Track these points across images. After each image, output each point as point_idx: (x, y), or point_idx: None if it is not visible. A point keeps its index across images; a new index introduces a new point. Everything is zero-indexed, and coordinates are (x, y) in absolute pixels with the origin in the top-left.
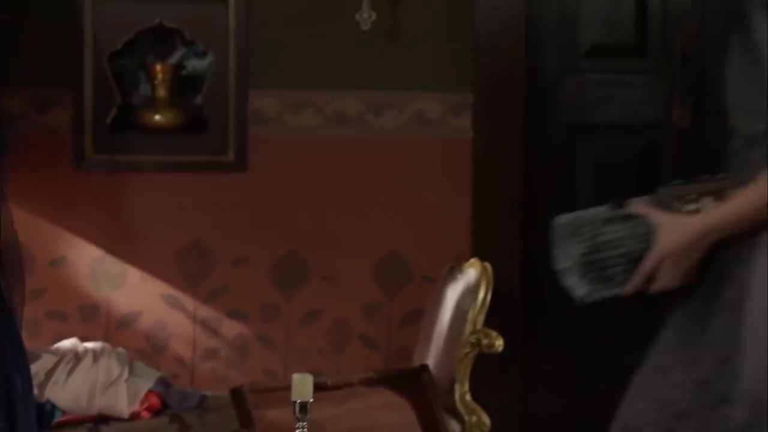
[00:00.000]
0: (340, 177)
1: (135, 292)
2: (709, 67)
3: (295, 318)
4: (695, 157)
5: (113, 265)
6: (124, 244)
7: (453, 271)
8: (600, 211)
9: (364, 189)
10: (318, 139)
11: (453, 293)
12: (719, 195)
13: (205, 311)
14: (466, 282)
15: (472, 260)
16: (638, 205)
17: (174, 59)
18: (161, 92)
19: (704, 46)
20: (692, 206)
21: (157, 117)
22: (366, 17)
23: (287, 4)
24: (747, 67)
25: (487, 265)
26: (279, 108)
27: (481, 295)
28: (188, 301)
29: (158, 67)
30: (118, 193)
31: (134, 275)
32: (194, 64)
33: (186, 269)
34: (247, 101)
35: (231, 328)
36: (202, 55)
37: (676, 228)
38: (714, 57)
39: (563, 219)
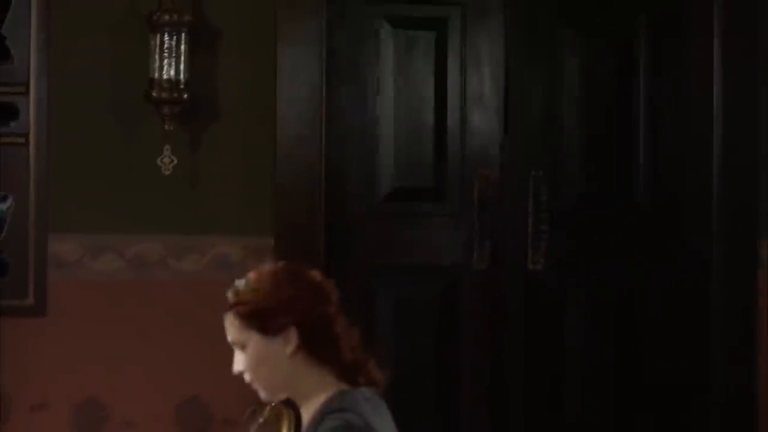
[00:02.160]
0: (141, 321)
1: None
2: (506, 212)
3: None
4: (494, 299)
5: None
6: None
7: (255, 414)
8: None
9: (166, 333)
10: (119, 284)
11: None
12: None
13: None
14: (268, 425)
15: (275, 403)
16: None
17: None
18: None
19: (502, 190)
20: None
21: None
22: (167, 162)
23: (88, 147)
24: None
25: (290, 409)
26: (79, 252)
27: None
28: None
29: None
30: None
31: None
32: None
33: None
34: (46, 245)
35: None
36: (2, 198)
37: None
38: (511, 201)
39: None
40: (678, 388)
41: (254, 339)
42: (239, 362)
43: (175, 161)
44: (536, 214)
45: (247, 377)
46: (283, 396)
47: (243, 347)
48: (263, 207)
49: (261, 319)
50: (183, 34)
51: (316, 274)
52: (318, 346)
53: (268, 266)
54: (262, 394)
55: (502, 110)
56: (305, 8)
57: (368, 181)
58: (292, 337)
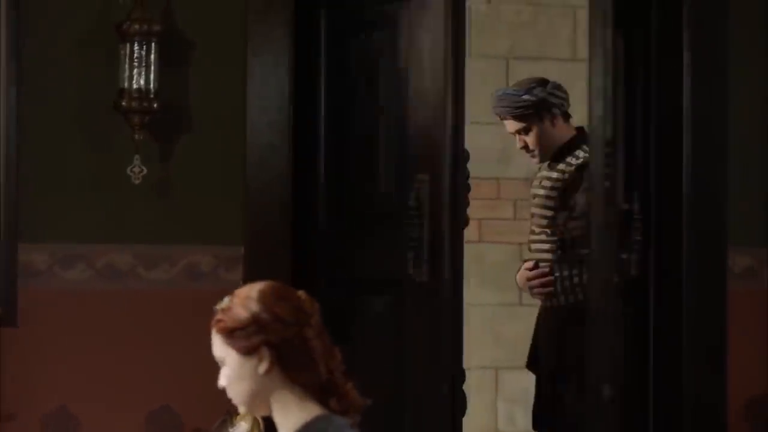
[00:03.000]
0: (111, 331)
1: None
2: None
3: None
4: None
5: None
6: None
7: (225, 423)
8: None
9: (136, 342)
10: (89, 293)
11: None
12: None
13: None
14: None
15: (245, 413)
16: None
17: None
18: None
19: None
20: None
21: None
22: (137, 171)
23: (58, 157)
24: None
25: (259, 418)
26: (49, 262)
27: None
28: None
29: None
30: None
31: None
32: None
33: None
34: (17, 255)
35: None
36: None
37: None
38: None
39: None
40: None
41: (231, 356)
42: (222, 377)
43: (145, 171)
44: None
45: (228, 393)
46: (261, 412)
47: (224, 363)
48: (234, 216)
49: (235, 337)
50: (153, 44)
51: (300, 294)
52: (292, 366)
53: (256, 284)
54: (241, 409)
55: None
56: (275, 18)
57: (340, 189)
58: (265, 356)
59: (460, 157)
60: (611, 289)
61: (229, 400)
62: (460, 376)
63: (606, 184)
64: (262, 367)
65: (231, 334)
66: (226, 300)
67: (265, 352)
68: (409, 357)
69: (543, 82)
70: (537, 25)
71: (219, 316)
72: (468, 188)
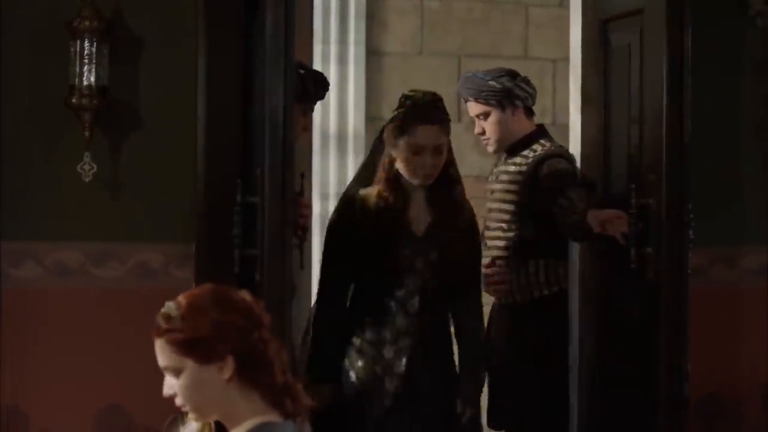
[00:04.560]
0: (60, 329)
1: None
2: None
3: None
4: None
5: None
6: None
7: (175, 422)
8: None
9: (86, 340)
10: (38, 291)
11: None
12: None
13: None
14: None
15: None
16: None
17: None
18: None
19: None
20: None
21: None
22: (87, 169)
23: (8, 154)
24: None
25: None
26: None
27: None
28: None
29: None
30: None
31: None
32: None
33: None
34: None
35: None
36: None
37: None
38: None
39: None
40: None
41: (190, 366)
42: (170, 386)
43: (95, 168)
44: None
45: (177, 400)
46: (213, 417)
47: (177, 373)
48: (184, 214)
49: (198, 348)
50: (103, 41)
51: (246, 297)
52: (252, 372)
53: (196, 290)
54: (192, 416)
55: None
56: (226, 15)
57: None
58: (229, 364)
59: None
60: None
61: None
62: None
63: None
64: (226, 374)
65: (190, 346)
66: (172, 308)
67: (229, 359)
68: None
69: (513, 74)
70: (489, 22)
71: (169, 326)
72: None
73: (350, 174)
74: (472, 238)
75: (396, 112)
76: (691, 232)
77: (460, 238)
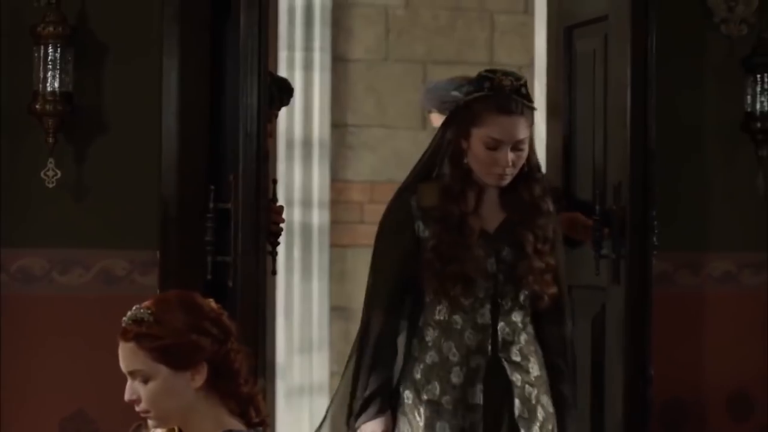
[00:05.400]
0: (25, 335)
1: None
2: None
3: None
4: None
5: None
6: None
7: (139, 428)
8: None
9: (50, 347)
10: (2, 298)
11: None
12: None
13: None
14: None
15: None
16: None
17: None
18: None
19: None
20: None
21: None
22: (51, 175)
23: None
24: None
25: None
26: None
27: None
28: None
29: None
30: None
31: None
32: None
33: None
34: None
35: None
36: None
37: None
38: None
39: None
40: None
41: (163, 372)
42: (133, 391)
43: (59, 174)
44: None
45: (142, 406)
46: (175, 425)
47: (145, 378)
48: (149, 220)
49: (175, 354)
50: (68, 47)
51: (212, 305)
52: (220, 381)
53: (161, 296)
54: (152, 423)
55: None
56: (191, 20)
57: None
58: (203, 371)
59: None
60: None
61: None
62: None
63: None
64: (198, 382)
65: (166, 352)
66: (144, 312)
67: (203, 367)
68: None
69: None
70: (454, 29)
71: (143, 330)
72: None
73: (316, 180)
74: (553, 240)
75: (470, 96)
76: (655, 237)
77: (538, 238)
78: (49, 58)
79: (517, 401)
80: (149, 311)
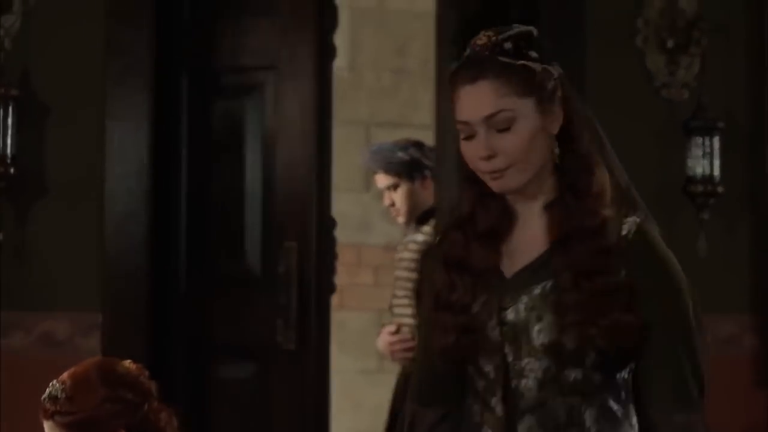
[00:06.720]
0: None
1: None
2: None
3: None
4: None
5: None
6: None
7: None
8: None
9: None
10: None
11: None
12: None
13: None
14: None
15: None
16: None
17: None
18: None
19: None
20: None
21: None
22: None
23: None
24: None
25: None
26: None
27: None
28: None
29: None
30: None
31: None
32: None
33: None
34: None
35: None
36: None
37: None
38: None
39: None
40: None
41: None
42: None
43: (1, 237)
44: None
45: None
46: None
47: None
48: (91, 283)
49: (89, 428)
50: (10, 108)
51: (131, 367)
52: None
53: (79, 367)
54: None
55: None
56: (134, 83)
57: (198, 261)
58: None
59: (327, 224)
60: None
61: None
62: None
63: None
64: None
65: (82, 425)
66: (58, 389)
67: None
68: (274, 425)
69: (420, 144)
70: (398, 91)
71: (57, 408)
72: (335, 255)
73: None
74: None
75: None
76: None
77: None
78: None
79: None
80: (63, 387)
